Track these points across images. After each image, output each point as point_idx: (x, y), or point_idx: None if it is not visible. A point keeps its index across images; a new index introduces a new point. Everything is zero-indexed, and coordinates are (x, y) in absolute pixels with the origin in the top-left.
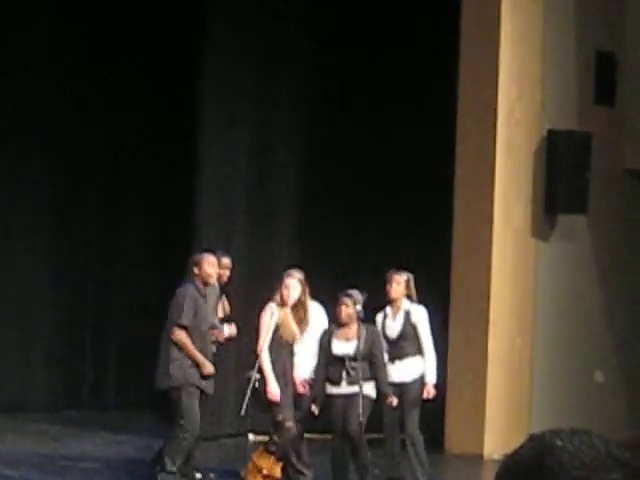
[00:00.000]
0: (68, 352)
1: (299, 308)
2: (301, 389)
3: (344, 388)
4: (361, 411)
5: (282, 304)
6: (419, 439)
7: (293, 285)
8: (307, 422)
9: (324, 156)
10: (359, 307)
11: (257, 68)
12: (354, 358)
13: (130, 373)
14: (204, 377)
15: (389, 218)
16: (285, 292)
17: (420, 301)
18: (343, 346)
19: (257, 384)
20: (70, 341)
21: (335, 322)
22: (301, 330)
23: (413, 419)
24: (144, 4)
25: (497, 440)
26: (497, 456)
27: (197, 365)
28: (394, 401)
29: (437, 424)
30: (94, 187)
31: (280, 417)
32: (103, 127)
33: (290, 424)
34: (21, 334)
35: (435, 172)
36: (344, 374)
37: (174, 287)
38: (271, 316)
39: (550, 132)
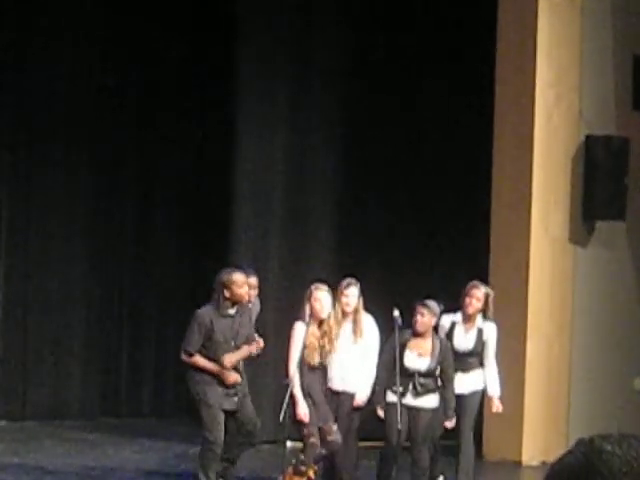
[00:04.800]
0: (105, 359)
1: (332, 321)
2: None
3: (409, 400)
4: (425, 424)
5: (314, 318)
6: (472, 450)
7: (324, 297)
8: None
9: (361, 164)
10: (434, 318)
11: (291, 74)
12: (424, 373)
13: (166, 380)
14: (228, 387)
15: (427, 227)
16: (317, 305)
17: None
18: (416, 360)
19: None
20: (107, 348)
21: (411, 331)
22: (352, 341)
23: (469, 429)
24: (176, 8)
25: (535, 447)
26: (535, 462)
27: (218, 380)
28: (450, 425)
29: (475, 431)
30: (129, 195)
31: (305, 432)
32: (137, 130)
33: (314, 440)
34: (58, 341)
35: (472, 179)
36: (411, 387)
37: (208, 297)
38: (299, 334)
39: (588, 138)
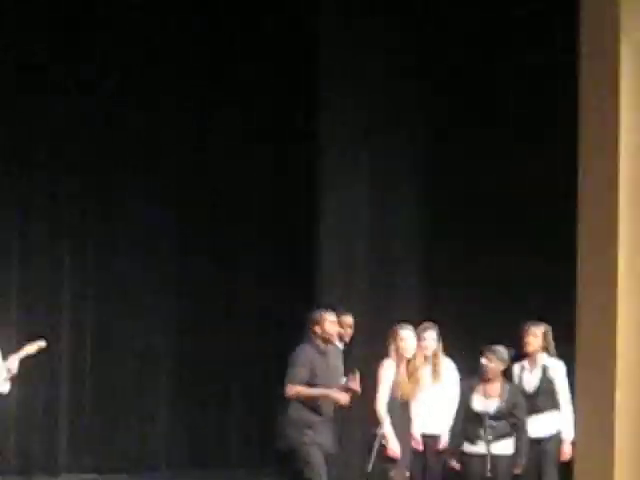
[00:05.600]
0: (191, 410)
1: (416, 362)
2: (416, 445)
3: (482, 446)
4: (498, 470)
5: (398, 358)
6: None
7: (408, 336)
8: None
9: (448, 205)
10: (501, 364)
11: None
12: (494, 416)
13: (254, 430)
14: (329, 433)
15: (513, 268)
16: (401, 344)
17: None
18: (484, 403)
19: (383, 440)
20: (193, 399)
21: (477, 376)
22: (431, 383)
23: (552, 475)
24: (258, 32)
25: None
26: None
27: (321, 422)
28: (519, 470)
29: None
30: (208, 234)
31: (391, 474)
32: (221, 161)
33: None
34: (143, 393)
35: (557, 203)
36: (481, 432)
37: (293, 345)
38: (387, 372)
39: None
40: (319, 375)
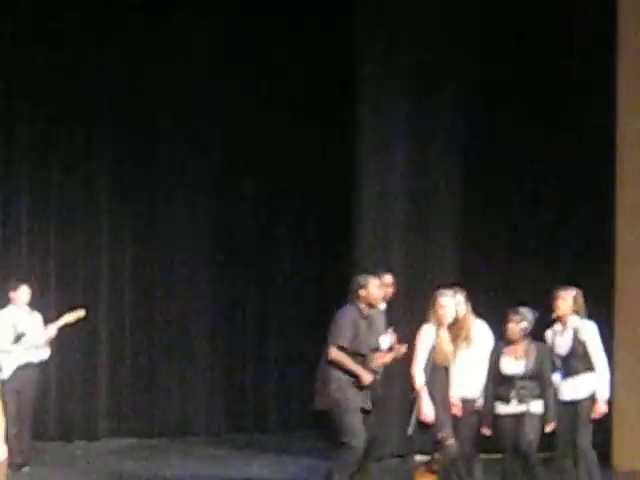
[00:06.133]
0: (230, 375)
1: (456, 327)
2: (456, 410)
3: (514, 407)
4: (530, 429)
5: (438, 324)
6: (592, 457)
7: (448, 304)
8: (477, 442)
9: (482, 173)
10: (525, 324)
11: (413, 90)
12: (523, 377)
13: (292, 395)
14: (362, 388)
15: (549, 236)
16: (441, 312)
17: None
18: (512, 365)
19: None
20: (231, 364)
21: (503, 339)
22: (462, 348)
23: (585, 436)
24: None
25: None
26: None
27: (356, 381)
28: (550, 428)
29: (604, 440)
30: (253, 211)
31: (439, 436)
32: (262, 150)
33: (451, 442)
34: (182, 358)
35: (595, 186)
36: (514, 393)
37: (335, 307)
38: (427, 336)
39: None
40: (361, 338)
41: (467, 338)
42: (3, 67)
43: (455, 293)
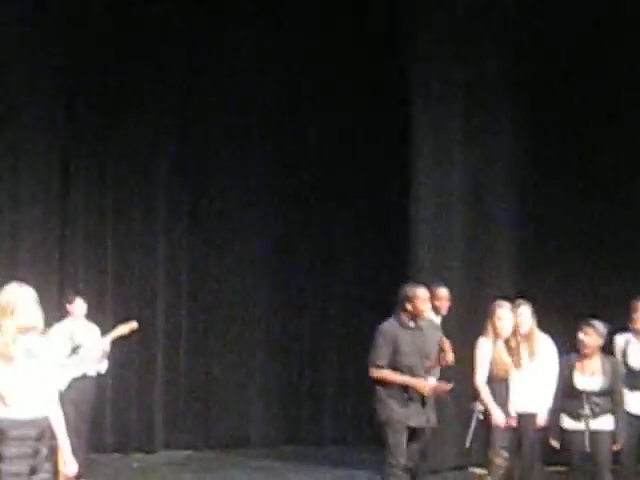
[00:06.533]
0: (285, 387)
1: (514, 339)
2: (512, 423)
3: (586, 422)
4: (602, 446)
5: (495, 336)
6: None
7: (505, 316)
8: (540, 456)
9: (543, 181)
10: (599, 338)
11: (466, 104)
12: (597, 393)
13: (348, 407)
14: (420, 406)
15: (615, 248)
16: (498, 323)
17: None
18: (586, 380)
19: (481, 415)
20: (287, 376)
21: (575, 352)
22: (527, 362)
23: None
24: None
25: None
26: None
27: (410, 397)
28: (619, 446)
29: None
30: (311, 219)
31: (490, 453)
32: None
33: (499, 461)
34: (239, 370)
35: None
36: (587, 408)
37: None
38: (484, 349)
39: None
40: (404, 350)
41: (532, 352)
42: (61, 84)
43: (519, 304)
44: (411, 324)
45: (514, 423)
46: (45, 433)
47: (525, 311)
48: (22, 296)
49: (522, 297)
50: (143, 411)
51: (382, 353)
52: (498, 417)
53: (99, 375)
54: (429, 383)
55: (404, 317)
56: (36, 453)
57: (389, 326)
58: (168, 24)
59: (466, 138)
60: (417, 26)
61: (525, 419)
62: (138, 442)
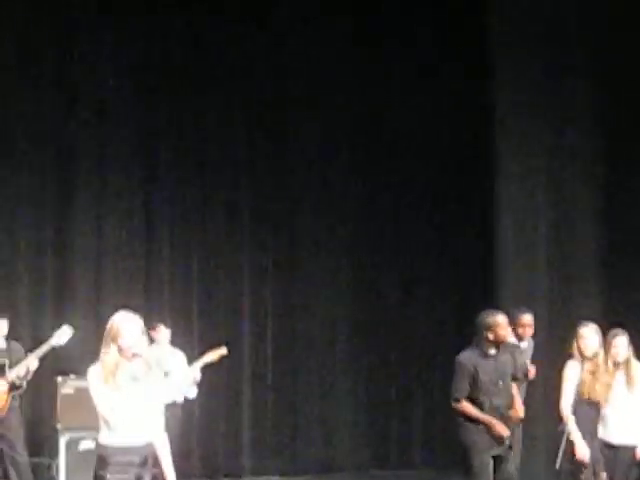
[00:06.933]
0: (373, 411)
1: (597, 360)
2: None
3: None
4: None
5: (581, 356)
6: None
7: (589, 335)
8: None
9: (626, 205)
10: None
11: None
12: None
13: (436, 430)
14: (499, 438)
15: None
16: (582, 342)
17: None
18: None
19: (570, 437)
20: (374, 399)
21: None
22: (625, 391)
23: None
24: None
25: None
26: None
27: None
28: None
29: None
30: (389, 240)
31: (582, 476)
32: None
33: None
34: (325, 394)
35: None
36: None
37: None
38: (572, 372)
39: None
40: (483, 379)
41: (631, 382)
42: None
43: (616, 335)
44: (492, 352)
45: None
46: (148, 460)
47: (622, 340)
48: (128, 323)
49: (619, 326)
50: (230, 437)
51: (461, 387)
52: (582, 452)
53: (187, 401)
54: (504, 429)
55: (485, 346)
56: None
57: (468, 357)
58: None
59: (552, 156)
60: None
61: (621, 451)
62: (226, 468)
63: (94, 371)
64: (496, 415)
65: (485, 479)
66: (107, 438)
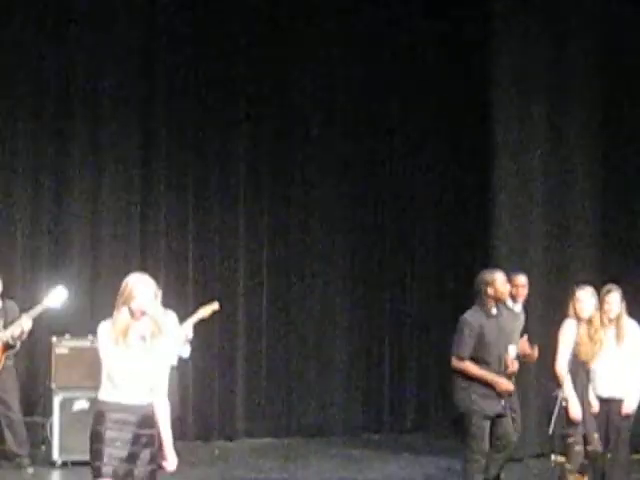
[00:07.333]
0: (367, 376)
1: (594, 323)
2: (594, 410)
3: None
4: None
5: (577, 319)
6: None
7: (585, 298)
8: (628, 442)
9: (624, 172)
10: None
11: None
12: None
13: (429, 395)
14: (499, 395)
15: None
16: (577, 305)
17: None
18: None
19: (564, 403)
20: (368, 363)
21: None
22: (614, 346)
23: None
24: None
25: None
26: None
27: (491, 387)
28: None
29: None
30: (387, 208)
31: (571, 440)
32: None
33: (579, 449)
34: (319, 359)
35: None
36: None
37: (470, 305)
38: (568, 331)
39: None
40: (488, 339)
41: (620, 337)
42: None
43: (609, 291)
44: (494, 311)
45: (596, 410)
46: (146, 420)
47: (615, 296)
48: (142, 286)
49: (613, 282)
50: (224, 399)
51: (466, 345)
52: (575, 411)
53: (182, 361)
54: (508, 384)
55: (488, 304)
56: (136, 439)
57: (473, 316)
58: None
59: (548, 123)
60: None
61: (610, 405)
62: (220, 430)
63: (105, 328)
64: (500, 373)
65: (482, 441)
66: (108, 395)
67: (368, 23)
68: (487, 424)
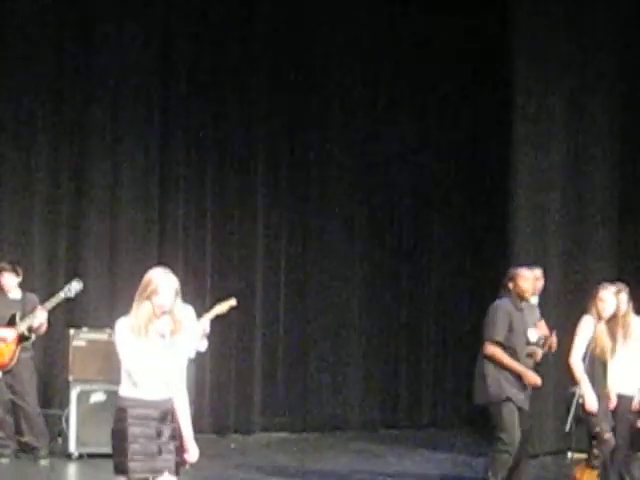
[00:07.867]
0: (383, 371)
1: (614, 322)
2: (611, 405)
3: None
4: None
5: (597, 317)
6: None
7: (608, 298)
8: (635, 440)
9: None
10: None
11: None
12: None
13: (445, 391)
14: (524, 386)
15: None
16: (600, 305)
17: None
18: None
19: (581, 399)
20: (385, 360)
21: None
22: (621, 344)
23: None
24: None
25: None
26: None
27: (518, 378)
28: None
29: None
30: (404, 206)
31: (597, 429)
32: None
33: (608, 436)
34: (336, 354)
35: None
36: None
37: (488, 303)
38: (586, 328)
39: None
40: (515, 331)
41: (627, 334)
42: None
43: (619, 289)
44: (519, 305)
45: (612, 405)
46: (167, 415)
47: (623, 296)
48: (165, 282)
49: (621, 281)
50: (241, 393)
51: (500, 329)
52: (592, 403)
53: (199, 355)
54: (536, 377)
55: (512, 298)
56: (159, 434)
57: (505, 304)
58: None
59: (567, 118)
60: None
61: (620, 401)
62: (236, 424)
63: (123, 324)
64: (527, 365)
65: (514, 430)
66: (129, 391)
67: (380, 19)
68: (517, 414)
